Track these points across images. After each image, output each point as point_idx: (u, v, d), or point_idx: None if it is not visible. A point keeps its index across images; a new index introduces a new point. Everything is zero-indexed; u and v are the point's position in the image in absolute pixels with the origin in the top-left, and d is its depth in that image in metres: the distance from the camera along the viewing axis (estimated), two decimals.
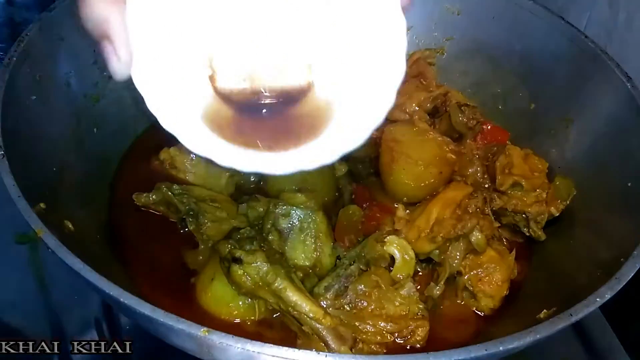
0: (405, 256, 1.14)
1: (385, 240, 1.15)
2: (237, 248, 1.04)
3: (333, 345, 1.00)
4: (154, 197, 1.21)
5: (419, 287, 1.13)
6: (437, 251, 1.15)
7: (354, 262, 1.11)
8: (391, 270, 1.13)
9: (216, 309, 1.09)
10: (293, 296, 1.01)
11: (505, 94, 1.50)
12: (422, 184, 1.25)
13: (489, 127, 1.40)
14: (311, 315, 1.01)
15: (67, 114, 1.23)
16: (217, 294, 1.09)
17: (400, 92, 1.41)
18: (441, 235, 1.13)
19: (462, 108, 1.37)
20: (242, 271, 1.02)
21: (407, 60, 1.52)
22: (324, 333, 1.01)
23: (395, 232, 1.17)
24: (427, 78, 1.50)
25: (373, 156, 1.31)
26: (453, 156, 1.29)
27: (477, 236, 1.14)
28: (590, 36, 1.35)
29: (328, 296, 1.07)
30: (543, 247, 1.26)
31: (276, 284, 1.02)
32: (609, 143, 1.25)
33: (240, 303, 1.09)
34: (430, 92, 1.45)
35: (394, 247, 1.14)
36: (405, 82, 1.45)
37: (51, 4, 1.23)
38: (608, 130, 1.26)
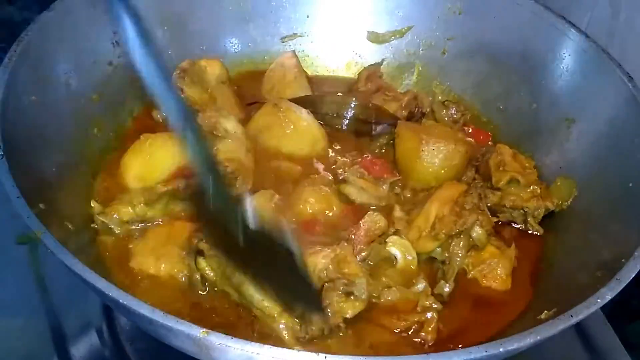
0: (407, 256, 1.14)
1: (387, 240, 1.14)
2: (202, 241, 1.05)
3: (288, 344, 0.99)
4: None
5: None
6: (440, 249, 1.15)
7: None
8: None
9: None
10: (249, 290, 1.01)
11: (506, 93, 1.49)
12: (453, 163, 1.27)
13: (470, 129, 1.44)
14: (266, 312, 1.00)
15: (67, 114, 1.23)
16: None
17: None
18: (443, 231, 1.13)
19: (445, 103, 1.42)
20: (205, 263, 1.04)
21: (359, 80, 1.51)
22: (279, 328, 1.00)
23: (396, 232, 1.17)
24: (389, 89, 1.49)
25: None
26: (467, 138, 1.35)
27: (477, 232, 1.15)
28: (592, 36, 1.34)
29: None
30: (544, 247, 1.25)
31: (235, 278, 1.02)
32: (610, 143, 1.24)
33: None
34: (399, 100, 1.44)
35: (396, 247, 1.14)
36: (370, 100, 1.45)
37: (51, 4, 1.23)
38: (609, 131, 1.26)
